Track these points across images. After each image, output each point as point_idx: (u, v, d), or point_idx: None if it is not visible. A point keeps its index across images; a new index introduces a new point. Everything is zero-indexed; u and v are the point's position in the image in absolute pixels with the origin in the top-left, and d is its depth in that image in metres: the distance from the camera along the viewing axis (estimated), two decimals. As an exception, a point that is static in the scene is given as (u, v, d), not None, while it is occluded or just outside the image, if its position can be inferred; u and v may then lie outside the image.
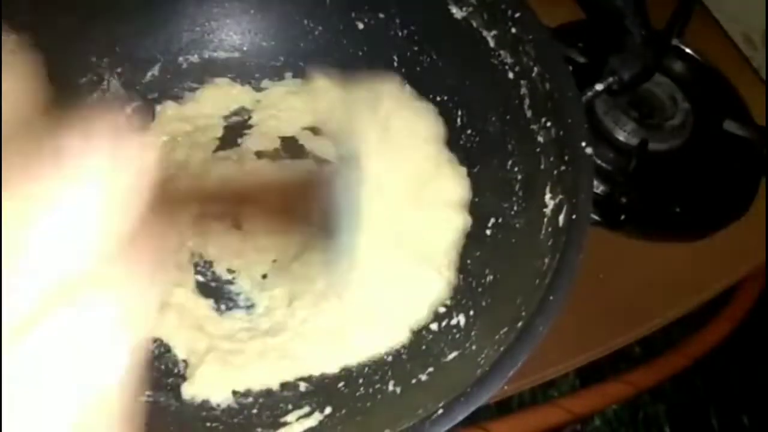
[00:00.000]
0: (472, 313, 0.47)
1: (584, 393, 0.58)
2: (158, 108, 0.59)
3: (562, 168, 0.44)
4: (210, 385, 0.46)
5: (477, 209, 0.52)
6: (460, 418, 0.35)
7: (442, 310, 0.49)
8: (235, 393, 0.47)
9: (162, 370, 0.48)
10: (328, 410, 0.45)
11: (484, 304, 0.47)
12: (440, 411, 0.35)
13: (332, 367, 0.48)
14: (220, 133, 0.59)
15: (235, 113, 0.60)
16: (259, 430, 0.45)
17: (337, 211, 0.49)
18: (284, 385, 0.47)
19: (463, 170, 0.54)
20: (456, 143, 0.56)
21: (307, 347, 0.48)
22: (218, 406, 0.46)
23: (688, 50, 0.73)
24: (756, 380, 0.68)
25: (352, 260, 0.49)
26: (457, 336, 0.46)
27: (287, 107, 0.59)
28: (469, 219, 0.52)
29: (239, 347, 0.48)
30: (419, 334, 0.48)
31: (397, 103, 0.55)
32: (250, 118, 0.60)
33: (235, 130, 0.59)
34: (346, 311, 0.49)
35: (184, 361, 0.48)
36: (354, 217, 0.49)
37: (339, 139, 0.57)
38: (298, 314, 0.49)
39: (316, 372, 0.48)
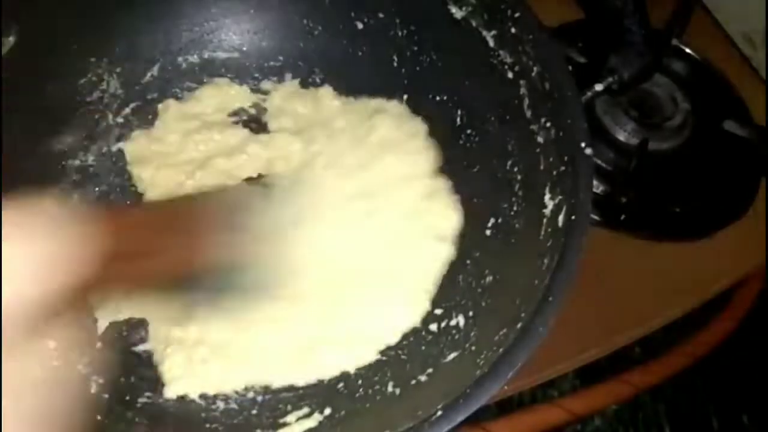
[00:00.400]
0: (471, 313, 0.47)
1: (584, 393, 0.58)
2: (160, 106, 0.59)
3: (562, 168, 0.44)
4: (180, 380, 0.46)
5: (476, 210, 0.52)
6: (460, 419, 0.35)
7: (440, 311, 0.49)
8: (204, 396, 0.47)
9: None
10: (327, 411, 0.45)
11: (483, 304, 0.47)
12: (439, 413, 0.35)
13: (299, 380, 0.47)
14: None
15: (234, 113, 0.60)
16: (258, 431, 0.45)
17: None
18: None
19: (455, 199, 0.54)
20: (456, 143, 0.56)
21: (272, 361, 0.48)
22: (217, 407, 0.46)
23: (688, 50, 0.72)
24: (756, 380, 0.68)
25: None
26: (457, 337, 0.46)
27: (287, 109, 0.59)
28: (453, 251, 0.52)
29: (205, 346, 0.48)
30: (416, 336, 0.49)
31: (392, 138, 0.55)
32: (248, 119, 0.60)
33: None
34: (318, 332, 0.48)
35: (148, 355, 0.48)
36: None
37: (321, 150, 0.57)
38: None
39: (279, 384, 0.47)
